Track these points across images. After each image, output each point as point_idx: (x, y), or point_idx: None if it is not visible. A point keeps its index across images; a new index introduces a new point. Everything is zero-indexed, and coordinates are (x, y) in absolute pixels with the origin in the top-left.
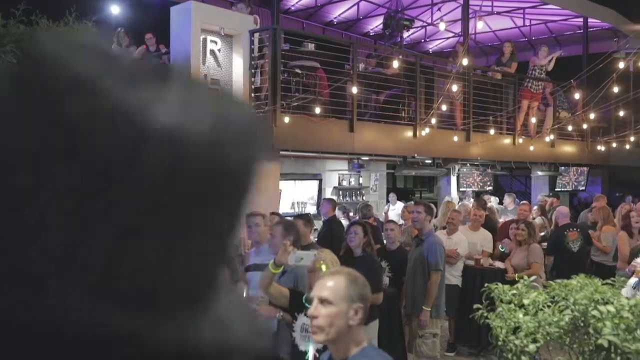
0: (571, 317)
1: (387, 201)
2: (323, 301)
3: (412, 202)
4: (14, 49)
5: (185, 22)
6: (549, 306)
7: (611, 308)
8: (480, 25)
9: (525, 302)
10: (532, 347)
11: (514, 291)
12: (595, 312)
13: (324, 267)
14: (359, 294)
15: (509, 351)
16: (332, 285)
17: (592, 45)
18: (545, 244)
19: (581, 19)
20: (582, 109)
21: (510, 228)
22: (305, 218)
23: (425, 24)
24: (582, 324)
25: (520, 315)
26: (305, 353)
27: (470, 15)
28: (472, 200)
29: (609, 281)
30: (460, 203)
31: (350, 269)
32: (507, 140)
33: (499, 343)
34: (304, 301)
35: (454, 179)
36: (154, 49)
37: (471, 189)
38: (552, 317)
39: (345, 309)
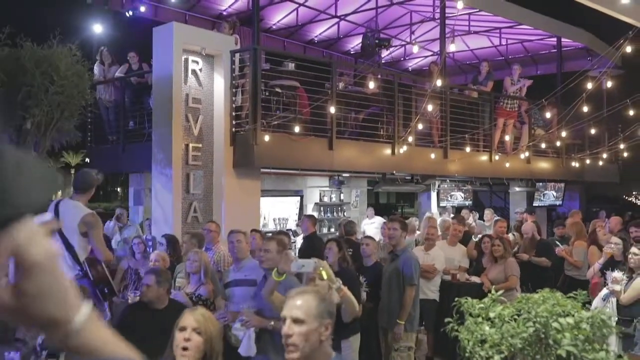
0: (534, 329)
1: (367, 216)
2: (296, 320)
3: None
4: None
5: (167, 42)
6: (515, 319)
7: (570, 320)
8: (453, 47)
9: (491, 315)
10: (497, 357)
11: (482, 305)
12: (555, 324)
13: (324, 274)
14: (328, 311)
15: None
16: (302, 304)
17: (566, 64)
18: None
19: (555, 39)
20: (557, 126)
21: (483, 242)
22: (285, 234)
23: (404, 42)
24: (543, 336)
25: (486, 328)
26: None
27: (447, 35)
28: (451, 215)
29: (571, 294)
30: (440, 219)
31: (315, 287)
32: (484, 157)
33: (466, 354)
34: None
35: (434, 195)
36: (137, 67)
37: (451, 204)
38: (515, 329)
39: (317, 326)
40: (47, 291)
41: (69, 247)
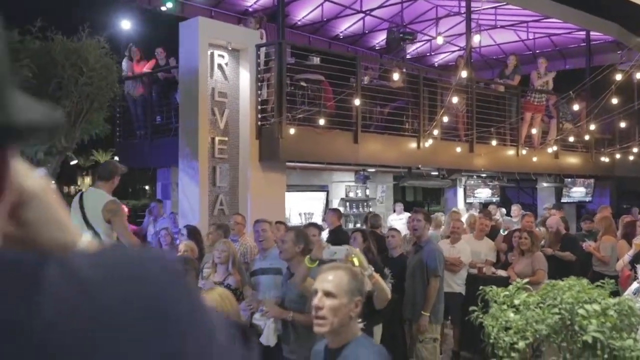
0: (559, 315)
1: (394, 210)
2: (327, 294)
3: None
4: (30, 64)
5: (193, 37)
6: (540, 307)
7: (597, 307)
8: (477, 39)
9: (516, 302)
10: (521, 344)
11: (507, 292)
12: (581, 311)
13: (355, 261)
14: (359, 289)
15: (500, 348)
16: (334, 279)
17: (595, 58)
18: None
19: (584, 32)
20: (585, 120)
21: (514, 237)
22: (318, 227)
23: (430, 38)
24: (569, 322)
25: (511, 314)
26: None
27: (473, 29)
28: (478, 211)
29: (598, 283)
30: (467, 213)
31: (347, 264)
32: (511, 152)
33: (491, 340)
34: None
35: (460, 191)
36: (164, 62)
37: (478, 201)
38: (540, 315)
39: (347, 302)
40: (49, 218)
41: (95, 235)
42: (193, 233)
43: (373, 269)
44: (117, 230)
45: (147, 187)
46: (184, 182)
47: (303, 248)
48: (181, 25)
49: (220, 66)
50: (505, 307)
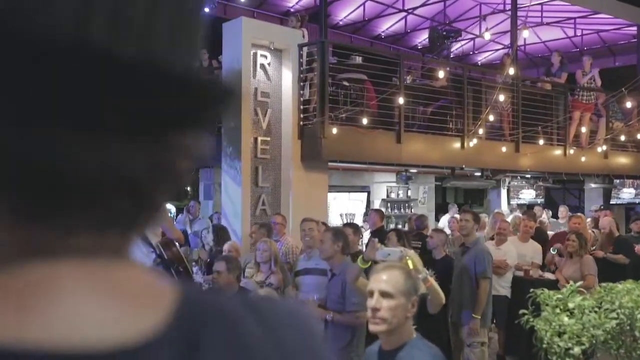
0: (617, 321)
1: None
2: (384, 294)
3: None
4: None
5: (236, 37)
6: (595, 311)
7: None
8: (526, 34)
9: (571, 305)
10: (577, 349)
11: (559, 296)
12: None
13: (410, 263)
14: (415, 288)
15: (554, 354)
16: (390, 279)
17: None
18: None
19: (635, 28)
20: (637, 118)
21: (558, 236)
22: (354, 227)
23: (473, 36)
24: (628, 328)
25: (565, 319)
26: None
27: (519, 27)
28: (522, 213)
29: None
30: (512, 215)
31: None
32: (558, 151)
33: (544, 345)
34: None
35: (504, 192)
36: (206, 64)
37: (522, 202)
38: (597, 320)
39: (404, 302)
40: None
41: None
42: (216, 231)
43: (428, 272)
44: (163, 226)
45: (188, 188)
46: (227, 182)
47: (342, 246)
48: (225, 25)
49: (262, 66)
50: (558, 310)
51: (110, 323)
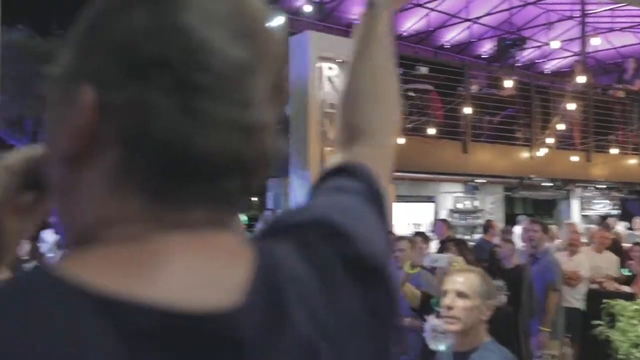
0: None
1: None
2: (460, 294)
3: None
4: None
5: (303, 50)
6: None
7: None
8: (596, 42)
9: None
10: None
11: (636, 307)
12: None
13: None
14: (491, 292)
15: None
16: (467, 280)
17: None
18: None
19: None
20: None
21: (632, 250)
22: (423, 235)
23: (540, 43)
24: None
25: None
26: (435, 352)
27: (588, 33)
28: (596, 224)
29: None
30: (585, 226)
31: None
32: (633, 160)
33: (620, 357)
34: (432, 304)
35: (575, 203)
36: None
37: (596, 213)
38: None
39: (479, 304)
40: None
41: None
42: None
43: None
44: None
45: (254, 198)
46: (295, 192)
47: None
48: (291, 39)
49: (329, 78)
50: (635, 321)
51: (209, 286)
